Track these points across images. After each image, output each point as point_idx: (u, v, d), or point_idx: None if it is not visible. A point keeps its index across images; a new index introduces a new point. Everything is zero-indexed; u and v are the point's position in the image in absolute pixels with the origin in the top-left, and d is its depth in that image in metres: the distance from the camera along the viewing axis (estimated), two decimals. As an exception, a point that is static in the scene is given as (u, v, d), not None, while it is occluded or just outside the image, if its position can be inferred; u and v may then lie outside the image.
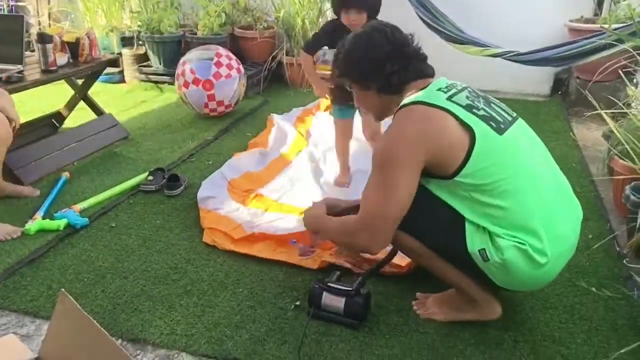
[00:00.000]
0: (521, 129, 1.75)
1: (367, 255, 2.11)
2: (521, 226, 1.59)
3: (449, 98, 1.63)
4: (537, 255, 1.58)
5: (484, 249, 1.60)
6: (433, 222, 1.66)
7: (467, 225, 1.62)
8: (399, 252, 1.95)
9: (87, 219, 2.44)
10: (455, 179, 1.58)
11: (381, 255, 2.05)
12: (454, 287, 1.81)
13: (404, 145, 1.59)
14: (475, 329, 1.79)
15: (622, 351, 1.66)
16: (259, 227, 2.34)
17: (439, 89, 1.67)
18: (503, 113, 1.73)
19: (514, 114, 1.78)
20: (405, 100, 1.68)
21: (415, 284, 2.01)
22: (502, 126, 1.66)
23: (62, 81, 3.35)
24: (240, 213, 2.47)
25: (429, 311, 1.85)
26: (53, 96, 3.94)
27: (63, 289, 1.17)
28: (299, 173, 2.92)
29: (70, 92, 3.54)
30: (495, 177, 1.58)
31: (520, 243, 1.58)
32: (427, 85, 1.69)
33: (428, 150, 1.57)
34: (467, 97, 1.67)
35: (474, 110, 1.62)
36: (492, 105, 1.73)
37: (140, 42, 4.75)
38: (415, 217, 1.63)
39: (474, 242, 1.61)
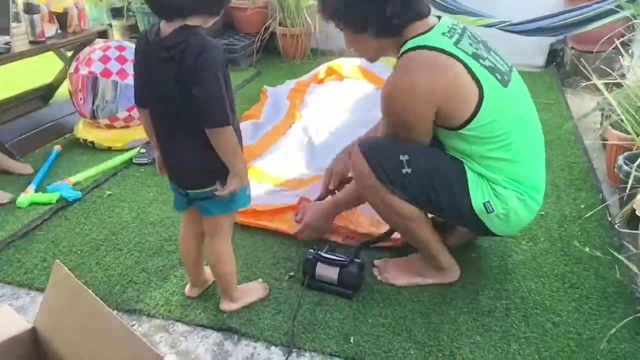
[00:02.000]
0: (518, 81, 1.76)
1: (362, 229, 2.11)
2: (522, 176, 1.66)
3: (455, 44, 1.59)
4: (533, 203, 1.69)
5: (488, 201, 1.64)
6: (438, 180, 1.66)
7: (469, 177, 1.64)
8: None
9: (79, 192, 2.43)
10: (460, 131, 1.59)
11: (379, 231, 2.07)
12: (426, 253, 1.84)
13: (417, 102, 1.56)
14: (467, 298, 1.81)
15: (615, 325, 1.69)
16: (253, 200, 2.33)
17: (443, 33, 1.60)
18: (502, 62, 1.73)
19: (509, 63, 1.78)
20: (410, 44, 1.59)
21: (409, 254, 2.02)
22: (506, 77, 1.66)
23: (51, 53, 3.29)
24: None
25: (390, 275, 1.88)
26: (42, 69, 3.87)
27: (57, 260, 1.17)
28: (292, 146, 2.90)
29: (59, 64, 3.48)
30: (500, 131, 1.60)
31: (519, 192, 1.65)
32: (431, 28, 1.61)
33: (439, 103, 1.56)
34: (471, 45, 1.62)
35: (480, 61, 1.60)
36: (492, 53, 1.71)
37: (130, 13, 4.66)
38: (421, 178, 1.65)
39: (477, 195, 1.64)
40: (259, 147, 2.91)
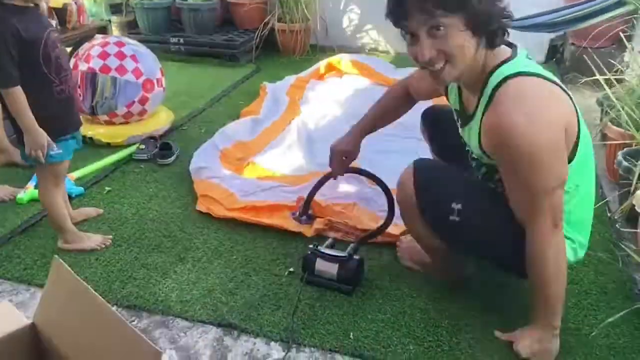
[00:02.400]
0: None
1: (361, 225, 2.11)
2: (579, 224, 1.55)
3: (543, 70, 1.42)
4: (580, 251, 1.58)
5: None
6: (485, 239, 1.54)
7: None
8: (393, 221, 1.96)
9: (82, 188, 2.43)
10: None
11: (375, 224, 2.07)
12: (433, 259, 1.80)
13: (559, 137, 1.34)
14: (467, 294, 1.81)
15: (610, 319, 1.69)
16: (253, 196, 2.33)
17: (528, 57, 1.44)
18: None
19: None
20: (506, 70, 1.37)
21: (408, 250, 2.03)
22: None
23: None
24: (233, 180, 2.46)
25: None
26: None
27: (56, 256, 1.17)
28: (291, 142, 2.89)
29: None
30: (580, 175, 1.46)
31: (571, 240, 1.53)
32: (516, 54, 1.42)
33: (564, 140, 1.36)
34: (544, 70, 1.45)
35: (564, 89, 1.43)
36: None
37: (129, 9, 4.66)
38: (466, 233, 1.54)
39: None
40: (257, 143, 2.91)
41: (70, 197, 2.36)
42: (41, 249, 2.05)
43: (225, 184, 2.41)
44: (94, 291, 1.03)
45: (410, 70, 4.08)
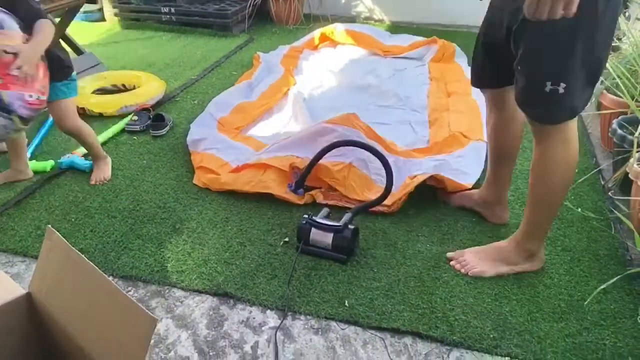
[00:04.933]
0: None
1: (355, 195, 2.12)
2: None
3: None
4: None
5: None
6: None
7: None
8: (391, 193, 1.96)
9: (90, 162, 2.40)
10: None
11: (372, 195, 2.07)
12: (537, 234, 1.72)
13: None
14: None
15: (603, 286, 1.72)
16: (246, 161, 2.32)
17: None
18: None
19: None
20: None
21: (403, 220, 2.04)
22: None
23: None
24: (228, 149, 2.44)
25: (477, 269, 1.76)
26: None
27: (50, 226, 1.17)
28: (287, 115, 2.85)
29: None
30: None
31: None
32: None
33: None
34: None
35: None
36: None
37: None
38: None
39: None
40: (255, 107, 2.87)
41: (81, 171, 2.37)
42: (35, 221, 2.04)
43: (221, 154, 2.39)
44: (87, 260, 1.03)
45: (405, 36, 4.05)
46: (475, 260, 1.78)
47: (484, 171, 2.30)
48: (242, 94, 2.99)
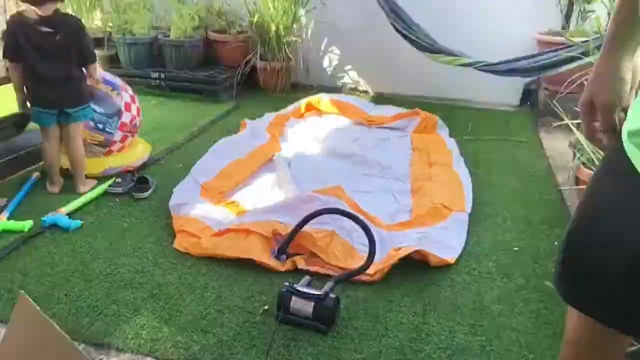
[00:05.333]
0: None
1: (337, 262, 2.11)
2: None
3: None
4: None
5: None
6: None
7: None
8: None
9: (79, 221, 2.40)
10: None
11: (354, 264, 2.06)
12: None
13: None
14: (443, 334, 1.80)
15: None
16: (227, 225, 2.31)
17: None
18: None
19: None
20: None
21: (385, 290, 2.02)
22: None
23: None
24: (210, 214, 2.43)
25: None
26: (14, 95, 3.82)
27: (22, 291, 1.13)
28: (271, 180, 2.86)
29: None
30: None
31: None
32: None
33: None
34: None
35: None
36: None
37: (111, 43, 4.67)
38: None
39: None
40: (239, 170, 2.88)
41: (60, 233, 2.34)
42: (8, 283, 1.98)
43: (203, 218, 2.38)
44: (58, 327, 1.00)
45: (389, 108, 4.16)
46: None
47: (466, 243, 2.32)
48: (227, 156, 3.00)
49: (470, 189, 2.78)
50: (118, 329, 1.77)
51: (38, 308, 1.07)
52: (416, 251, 2.08)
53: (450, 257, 2.18)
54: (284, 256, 2.14)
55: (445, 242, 2.24)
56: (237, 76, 4.50)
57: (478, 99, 4.47)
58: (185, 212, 2.43)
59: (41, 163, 2.99)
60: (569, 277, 1.06)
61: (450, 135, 3.59)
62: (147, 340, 1.73)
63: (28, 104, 2.60)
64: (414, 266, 2.11)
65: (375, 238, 1.99)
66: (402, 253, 2.07)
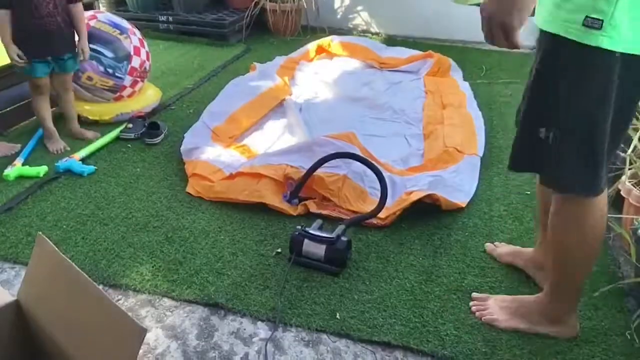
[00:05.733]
0: None
1: (349, 206, 2.12)
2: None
3: None
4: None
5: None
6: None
7: None
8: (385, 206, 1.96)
9: (93, 166, 2.42)
10: None
11: (366, 207, 2.07)
12: (561, 301, 1.57)
13: None
14: (453, 276, 1.83)
15: (594, 295, 1.72)
16: (238, 169, 2.31)
17: None
18: None
19: None
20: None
21: (396, 233, 2.04)
22: None
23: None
24: (221, 157, 2.43)
25: (492, 316, 1.64)
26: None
27: (40, 233, 1.16)
28: (282, 125, 2.84)
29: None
30: None
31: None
32: None
33: None
34: None
35: None
36: None
37: (117, -14, 4.58)
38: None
39: None
40: (249, 113, 2.86)
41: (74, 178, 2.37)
42: (27, 227, 2.03)
43: (215, 162, 2.39)
44: (77, 268, 1.03)
45: (402, 49, 4.05)
46: (495, 307, 1.66)
47: (478, 187, 2.32)
48: (236, 99, 2.98)
49: (483, 132, 2.75)
50: (135, 271, 1.82)
51: (57, 249, 1.09)
52: (428, 195, 2.08)
53: (462, 200, 2.18)
54: (296, 200, 2.16)
55: (457, 185, 2.24)
56: (246, 19, 4.41)
57: (493, 41, 4.35)
58: (197, 157, 2.44)
59: (54, 109, 3.00)
60: None
61: (464, 79, 3.52)
62: (163, 281, 1.78)
63: (19, 58, 2.37)
64: (425, 210, 2.12)
65: (387, 182, 1.99)
66: (414, 197, 2.08)
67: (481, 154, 2.53)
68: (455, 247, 1.98)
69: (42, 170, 2.35)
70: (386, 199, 1.95)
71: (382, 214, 2.01)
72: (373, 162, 2.12)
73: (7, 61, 2.98)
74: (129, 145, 2.67)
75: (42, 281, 1.11)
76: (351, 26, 4.78)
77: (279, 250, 1.94)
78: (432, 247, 1.97)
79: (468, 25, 4.27)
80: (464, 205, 2.17)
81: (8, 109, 2.81)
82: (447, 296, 1.74)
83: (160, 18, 4.38)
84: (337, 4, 4.75)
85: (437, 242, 2.00)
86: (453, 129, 2.69)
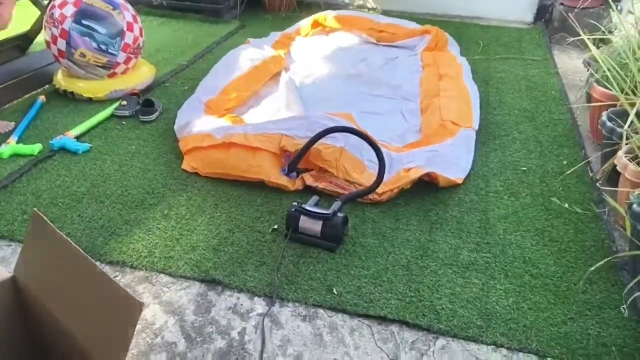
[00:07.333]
0: None
1: (347, 177, 2.10)
2: None
3: None
4: None
5: None
6: None
7: None
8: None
9: (87, 144, 2.40)
10: None
11: (363, 179, 2.06)
12: None
13: None
14: (449, 251, 1.84)
15: (590, 269, 1.73)
16: (230, 131, 2.27)
17: None
18: None
19: None
20: None
21: (392, 209, 2.04)
22: None
23: (27, 2, 3.17)
24: (212, 125, 2.38)
25: None
26: (17, 18, 3.72)
27: (35, 209, 1.15)
28: (278, 102, 2.81)
29: (35, 13, 3.36)
30: None
31: None
32: None
33: None
34: None
35: None
36: None
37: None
38: None
39: None
40: (242, 85, 2.82)
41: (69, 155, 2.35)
42: (22, 205, 2.02)
43: (203, 129, 2.34)
44: (73, 243, 1.02)
45: (400, 21, 3.92)
46: None
47: (475, 163, 2.32)
48: (230, 72, 2.93)
49: (478, 105, 2.73)
50: (131, 248, 1.82)
51: (52, 225, 1.09)
52: (426, 173, 2.08)
53: (459, 177, 2.18)
54: (294, 173, 2.15)
55: (453, 160, 2.23)
56: (240, -6, 4.34)
57: (490, 16, 4.32)
58: (189, 131, 2.39)
59: (46, 86, 2.97)
60: None
61: (461, 54, 3.49)
62: (160, 258, 1.78)
63: None
64: (422, 185, 2.12)
65: (385, 158, 1.98)
66: (412, 175, 2.07)
67: (477, 128, 2.53)
68: (451, 222, 1.98)
69: (36, 148, 2.34)
70: (383, 175, 1.95)
71: (379, 190, 2.01)
72: (371, 137, 2.09)
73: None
74: (124, 122, 2.65)
75: (38, 257, 1.11)
76: (347, 1, 4.72)
77: (275, 226, 1.94)
78: (429, 223, 1.98)
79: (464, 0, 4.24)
80: (460, 182, 2.18)
81: (0, 87, 2.78)
82: (443, 271, 1.75)
83: (154, -7, 4.31)
84: (332, -21, 4.68)
85: (434, 218, 2.01)
86: (449, 101, 2.67)
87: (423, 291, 1.67)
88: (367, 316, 1.59)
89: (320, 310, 1.61)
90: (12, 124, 2.55)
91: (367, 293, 1.65)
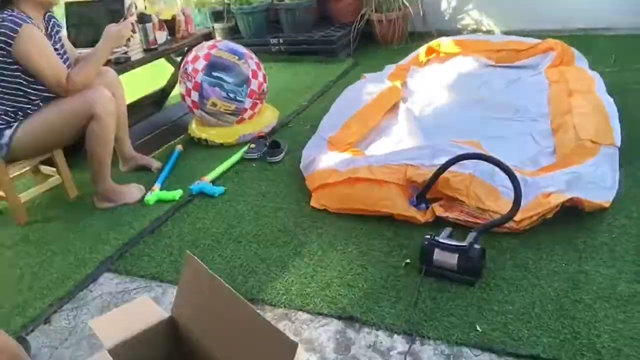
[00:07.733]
0: None
1: (480, 204, 2.00)
2: None
3: None
4: None
5: None
6: None
7: None
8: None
9: (222, 187, 2.56)
10: None
11: (499, 207, 1.96)
12: None
13: None
14: (603, 283, 1.68)
15: None
16: (354, 163, 2.28)
17: None
18: None
19: None
20: None
21: (531, 238, 1.92)
22: None
23: (161, 59, 3.49)
24: (335, 159, 2.41)
25: None
26: (152, 75, 4.09)
27: (188, 251, 1.22)
28: (399, 135, 2.79)
29: (169, 69, 3.68)
30: None
31: None
32: None
33: None
34: None
35: None
36: None
37: (230, 15, 4.83)
38: None
39: None
40: (365, 119, 2.85)
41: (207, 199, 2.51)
42: (168, 247, 2.17)
43: (327, 165, 2.38)
44: (226, 284, 1.07)
45: (518, 38, 3.71)
46: None
47: (621, 184, 2.11)
48: (350, 107, 2.97)
49: (617, 119, 2.49)
50: (269, 286, 1.87)
51: (205, 266, 1.14)
52: (569, 199, 1.92)
53: (606, 199, 2.00)
54: (423, 205, 2.10)
55: (598, 181, 2.05)
56: (352, 32, 4.44)
57: (621, 25, 4.00)
58: (314, 168, 2.45)
59: (182, 136, 3.21)
60: None
61: (590, 67, 3.26)
62: (297, 295, 1.81)
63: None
64: (562, 211, 1.97)
65: (520, 184, 1.87)
66: (553, 201, 1.92)
67: (619, 144, 2.31)
68: (602, 250, 1.82)
69: (177, 194, 2.52)
70: (520, 200, 1.83)
71: (517, 217, 1.89)
72: (502, 161, 1.98)
73: (138, 96, 3.24)
74: (254, 164, 2.78)
75: (194, 297, 1.17)
76: (460, 27, 4.64)
77: (408, 260, 1.90)
78: (576, 252, 1.83)
79: (591, 10, 3.97)
80: (608, 205, 1.99)
81: (142, 140, 3.06)
82: (599, 304, 1.60)
83: (272, 41, 4.55)
84: (443, 6, 4.64)
85: (581, 246, 1.85)
86: (584, 118, 2.47)
87: (578, 327, 1.53)
88: (517, 355, 1.48)
89: (465, 349, 1.53)
90: (160, 164, 2.78)
91: (515, 330, 1.55)
